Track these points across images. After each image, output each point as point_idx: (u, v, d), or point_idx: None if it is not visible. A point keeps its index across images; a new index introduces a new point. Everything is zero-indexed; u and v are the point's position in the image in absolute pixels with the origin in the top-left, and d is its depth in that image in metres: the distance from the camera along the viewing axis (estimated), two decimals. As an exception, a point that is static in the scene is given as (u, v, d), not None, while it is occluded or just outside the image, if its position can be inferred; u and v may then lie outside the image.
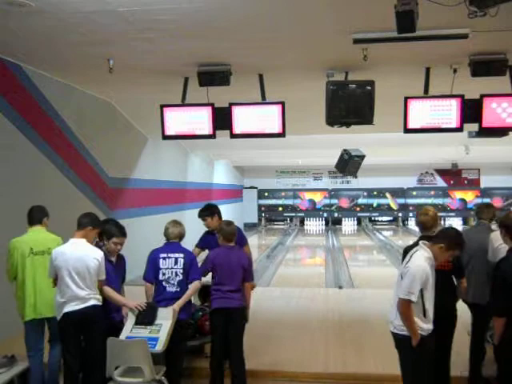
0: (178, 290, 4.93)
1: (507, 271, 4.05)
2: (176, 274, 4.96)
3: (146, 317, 4.71)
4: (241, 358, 5.15)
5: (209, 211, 5.96)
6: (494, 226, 5.17)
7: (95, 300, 4.65)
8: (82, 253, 4.61)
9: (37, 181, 6.93)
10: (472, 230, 5.27)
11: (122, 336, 4.57)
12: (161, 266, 4.97)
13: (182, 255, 4.99)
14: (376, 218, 26.54)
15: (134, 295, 5.50)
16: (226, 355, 5.18)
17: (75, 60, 6.12)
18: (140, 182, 11.01)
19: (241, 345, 5.15)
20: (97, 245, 4.96)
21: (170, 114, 6.53)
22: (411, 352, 4.16)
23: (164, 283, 4.95)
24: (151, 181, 11.79)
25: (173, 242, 5.10)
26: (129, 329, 4.63)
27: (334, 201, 26.35)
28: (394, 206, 26.20)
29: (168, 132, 6.58)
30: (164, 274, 4.96)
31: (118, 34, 5.13)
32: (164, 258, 4.99)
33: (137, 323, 4.67)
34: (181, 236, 5.15)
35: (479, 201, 23.98)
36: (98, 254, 4.72)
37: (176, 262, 4.97)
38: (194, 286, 4.99)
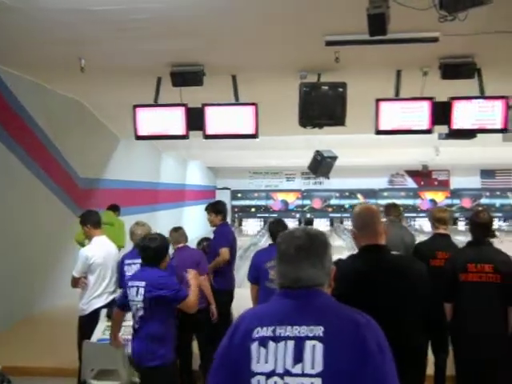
0: None
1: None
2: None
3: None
4: (208, 360, 5.09)
5: (214, 208, 6.03)
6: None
7: (116, 294, 4.76)
8: (111, 249, 4.90)
9: (6, 180, 6.80)
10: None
11: (93, 339, 4.48)
12: (126, 274, 4.65)
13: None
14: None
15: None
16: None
17: (46, 59, 6.03)
18: (112, 182, 10.89)
19: (206, 344, 5.07)
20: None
21: (143, 114, 6.47)
22: None
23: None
24: (123, 181, 11.67)
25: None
26: (101, 330, 4.56)
27: (307, 201, 26.43)
28: (366, 207, 26.37)
29: (141, 132, 6.52)
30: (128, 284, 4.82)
31: (89, 33, 5.07)
32: (129, 264, 4.73)
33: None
34: None
35: (449, 201, 24.35)
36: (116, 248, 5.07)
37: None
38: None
